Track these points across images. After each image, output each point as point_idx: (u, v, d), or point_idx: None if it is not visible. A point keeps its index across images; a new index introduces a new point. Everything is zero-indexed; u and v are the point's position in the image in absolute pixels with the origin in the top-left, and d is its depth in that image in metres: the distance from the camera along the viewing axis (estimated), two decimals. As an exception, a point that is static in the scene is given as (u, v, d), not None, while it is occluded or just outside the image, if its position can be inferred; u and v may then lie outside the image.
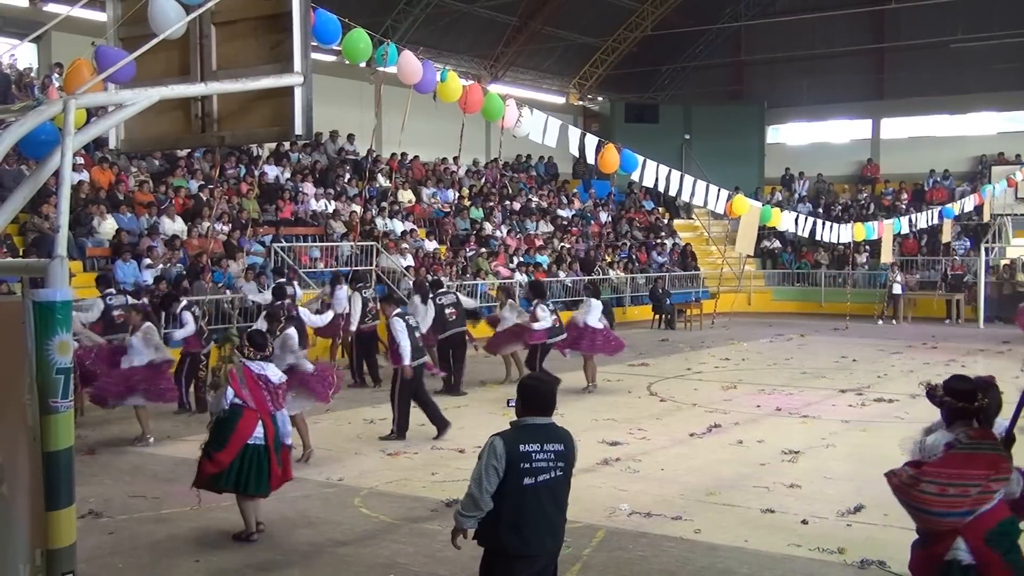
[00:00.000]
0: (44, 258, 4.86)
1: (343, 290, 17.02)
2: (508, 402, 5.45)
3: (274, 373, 8.67)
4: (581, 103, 40.36)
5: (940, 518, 5.15)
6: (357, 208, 24.23)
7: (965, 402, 5.37)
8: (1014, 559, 5.15)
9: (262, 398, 8.39)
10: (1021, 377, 17.52)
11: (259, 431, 8.29)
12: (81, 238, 18.52)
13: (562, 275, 26.97)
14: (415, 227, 25.63)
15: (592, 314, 16.13)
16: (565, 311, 25.89)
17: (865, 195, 35.61)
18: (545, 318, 15.77)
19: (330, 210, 24.25)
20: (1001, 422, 5.75)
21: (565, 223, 31.57)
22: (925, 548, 5.32)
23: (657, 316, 27.65)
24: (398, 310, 12.71)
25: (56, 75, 20.04)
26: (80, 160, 19.67)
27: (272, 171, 24.82)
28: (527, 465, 5.19)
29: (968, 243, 30.99)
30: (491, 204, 29.60)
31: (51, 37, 21.60)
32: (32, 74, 21.96)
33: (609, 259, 29.71)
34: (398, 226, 25.03)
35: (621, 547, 8.05)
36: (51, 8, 22.67)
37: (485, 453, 5.20)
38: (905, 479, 5.22)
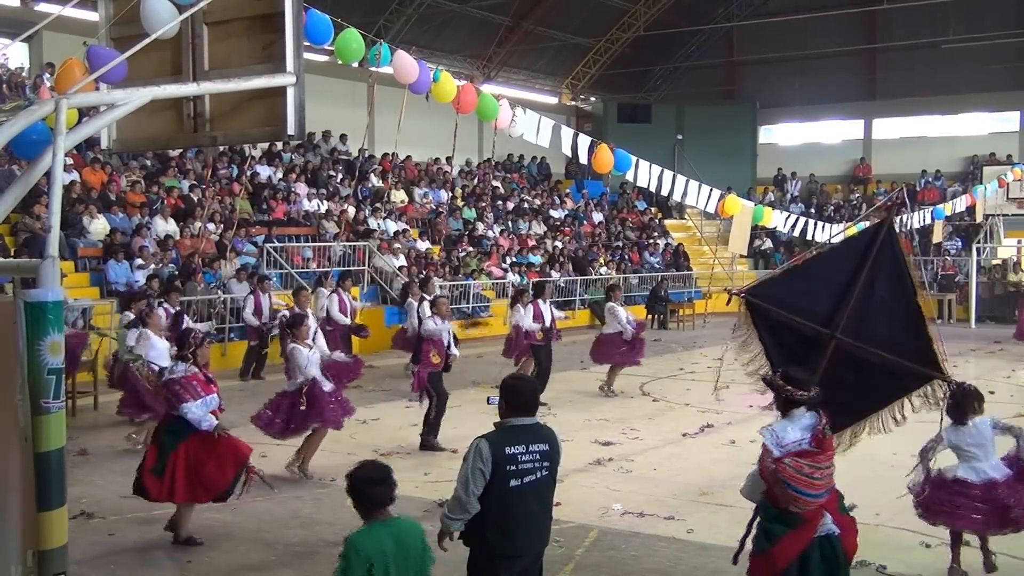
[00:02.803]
0: (36, 258, 4.85)
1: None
2: (488, 400, 5.46)
3: (170, 373, 8.44)
4: (574, 103, 40.40)
5: (817, 498, 5.64)
6: (350, 208, 24.23)
7: (804, 391, 5.77)
8: (851, 516, 5.92)
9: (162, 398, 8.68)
10: (1012, 376, 17.61)
11: None
12: (73, 238, 18.48)
13: (555, 275, 26.98)
14: (408, 227, 25.63)
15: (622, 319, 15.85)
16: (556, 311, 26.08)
17: (857, 195, 35.70)
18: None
19: (322, 210, 24.23)
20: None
21: (558, 223, 31.59)
22: (796, 531, 5.67)
23: (650, 316, 27.67)
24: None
25: (48, 75, 19.98)
26: (71, 160, 19.65)
27: (264, 171, 24.80)
28: (513, 467, 5.18)
29: (959, 243, 31.08)
30: (483, 204, 29.60)
31: (42, 37, 21.57)
32: (23, 74, 21.91)
33: (603, 259, 29.74)
34: (391, 226, 25.02)
35: (614, 547, 8.06)
36: (42, 8, 22.63)
37: (471, 456, 5.18)
38: (805, 469, 5.60)
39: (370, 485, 4.59)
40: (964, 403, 7.09)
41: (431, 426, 11.81)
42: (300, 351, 10.29)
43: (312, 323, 12.41)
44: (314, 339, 11.05)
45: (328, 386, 10.39)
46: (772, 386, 5.93)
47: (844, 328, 6.51)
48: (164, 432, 8.19)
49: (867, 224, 7.24)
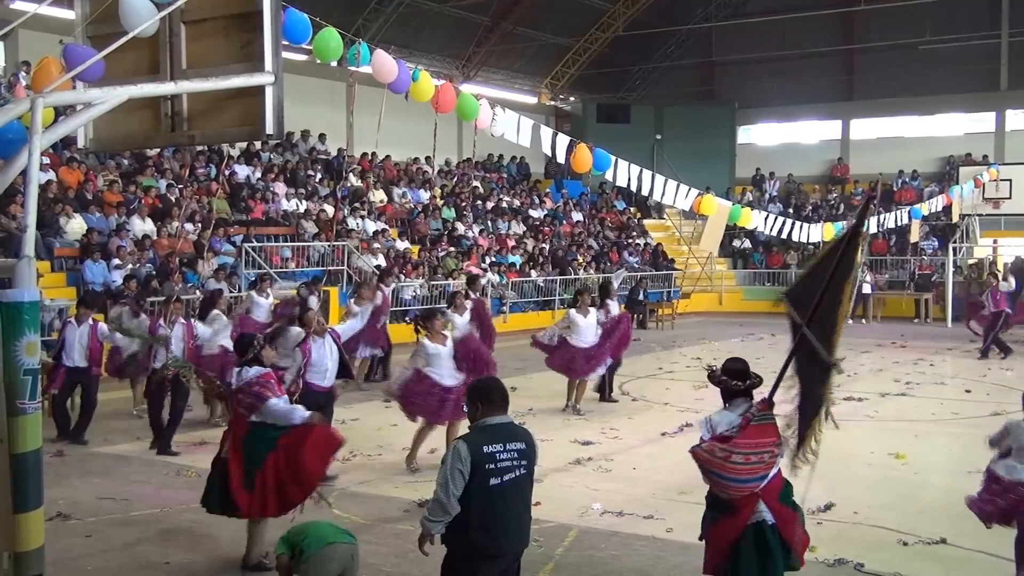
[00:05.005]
0: (11, 258, 4.82)
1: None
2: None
3: (238, 378, 7.57)
4: (553, 103, 40.44)
5: (744, 484, 5.67)
6: (328, 208, 24.17)
7: (739, 381, 5.97)
8: (799, 510, 5.93)
9: (232, 407, 7.68)
10: (988, 375, 17.74)
11: (227, 445, 7.61)
12: (49, 238, 18.35)
13: (534, 275, 27.00)
14: (387, 227, 25.58)
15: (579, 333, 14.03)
16: (537, 311, 26.12)
17: (835, 195, 35.86)
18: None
19: (301, 210, 24.17)
20: None
21: (537, 223, 31.60)
22: (730, 517, 5.76)
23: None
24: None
25: (23, 73, 19.83)
26: (47, 159, 19.51)
27: (243, 171, 24.69)
28: (492, 466, 5.20)
29: (936, 243, 31.27)
30: (463, 204, 29.60)
31: (18, 35, 21.40)
32: (-1, 72, 21.77)
33: (582, 259, 29.78)
34: (370, 226, 24.97)
35: (593, 546, 8.06)
36: (18, 6, 22.44)
37: (449, 457, 5.21)
38: (718, 453, 5.66)
39: None
40: None
41: None
42: (425, 345, 10.53)
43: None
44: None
45: (448, 381, 10.48)
46: (712, 379, 6.13)
47: (809, 322, 6.38)
48: (249, 442, 7.44)
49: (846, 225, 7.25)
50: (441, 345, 10.57)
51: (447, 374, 10.48)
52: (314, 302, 13.40)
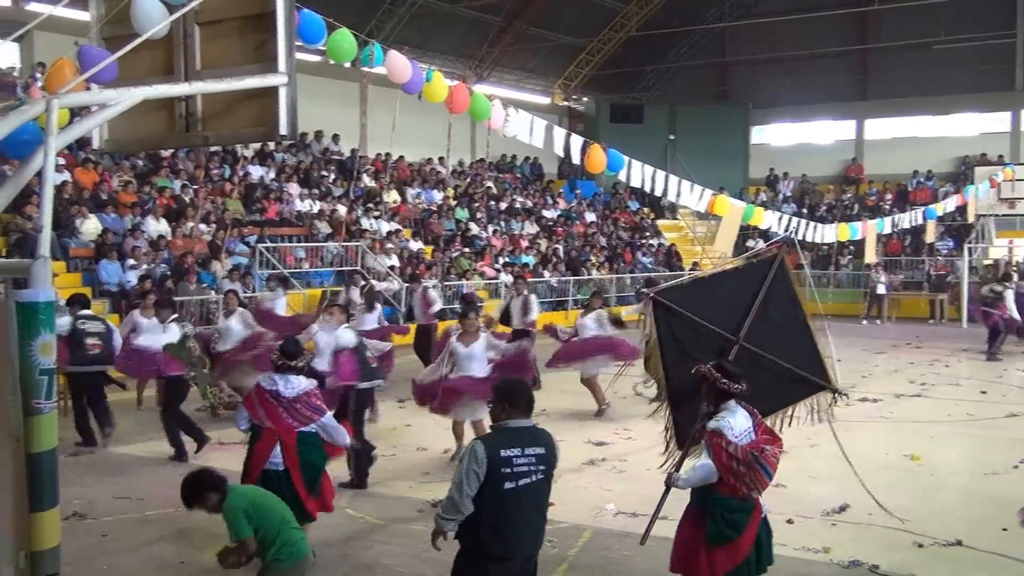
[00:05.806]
0: (27, 259, 4.84)
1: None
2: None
3: (289, 387, 7.39)
4: (566, 103, 40.44)
5: (771, 478, 6.05)
6: (342, 208, 24.22)
7: (737, 384, 6.06)
8: None
9: (277, 415, 7.36)
10: (1004, 376, 17.65)
11: (276, 454, 7.34)
12: (64, 239, 18.43)
13: (547, 275, 26.98)
14: (400, 227, 25.62)
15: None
16: (551, 312, 26.08)
17: (849, 195, 35.75)
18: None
19: (315, 210, 24.22)
20: None
21: (550, 223, 31.59)
22: (756, 512, 6.04)
23: (642, 315, 27.54)
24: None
25: (39, 75, 19.93)
26: (63, 160, 19.58)
27: (256, 171, 24.76)
28: (508, 469, 5.20)
29: (951, 243, 31.13)
30: (476, 204, 29.61)
31: (34, 36, 21.51)
32: (15, 74, 21.83)
33: (595, 260, 29.74)
34: (383, 226, 25.01)
35: (607, 547, 8.06)
36: (33, 7, 22.56)
37: (466, 457, 5.22)
38: (779, 455, 6.03)
39: (208, 485, 6.12)
40: None
41: None
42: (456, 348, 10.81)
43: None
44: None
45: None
46: (707, 378, 6.13)
47: (746, 336, 6.99)
48: (304, 451, 7.41)
49: (762, 256, 7.86)
50: (473, 345, 10.77)
51: (477, 369, 10.72)
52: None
